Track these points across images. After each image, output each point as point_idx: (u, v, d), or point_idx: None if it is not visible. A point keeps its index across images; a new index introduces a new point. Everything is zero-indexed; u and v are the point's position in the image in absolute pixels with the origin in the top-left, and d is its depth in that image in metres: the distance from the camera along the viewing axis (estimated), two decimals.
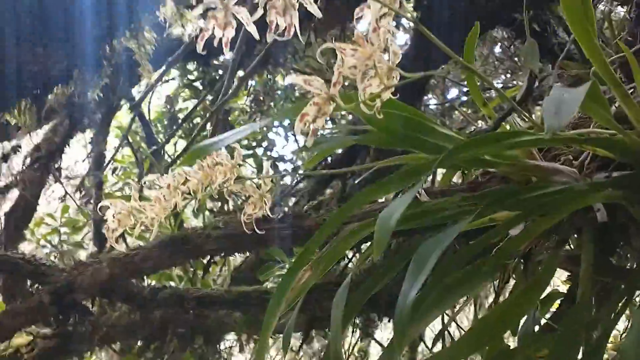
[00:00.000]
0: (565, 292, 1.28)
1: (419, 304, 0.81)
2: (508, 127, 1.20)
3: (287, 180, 3.40)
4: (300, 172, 2.96)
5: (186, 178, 1.10)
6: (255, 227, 1.15)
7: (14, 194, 3.01)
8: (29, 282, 2.16)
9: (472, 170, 1.27)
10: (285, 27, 0.83)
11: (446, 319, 1.38)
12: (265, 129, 3.03)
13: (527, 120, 1.33)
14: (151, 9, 1.05)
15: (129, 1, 1.02)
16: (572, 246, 1.10)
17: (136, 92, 3.10)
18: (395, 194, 1.38)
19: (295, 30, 0.84)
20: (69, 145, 2.64)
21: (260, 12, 0.84)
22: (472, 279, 0.96)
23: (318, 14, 0.82)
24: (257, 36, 0.87)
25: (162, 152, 2.54)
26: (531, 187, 0.89)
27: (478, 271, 0.93)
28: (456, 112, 3.80)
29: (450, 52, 0.85)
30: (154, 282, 1.83)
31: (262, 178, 1.12)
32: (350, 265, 1.67)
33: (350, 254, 1.77)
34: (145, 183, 1.55)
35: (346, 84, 0.87)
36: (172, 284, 1.98)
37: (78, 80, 1.11)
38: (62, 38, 1.02)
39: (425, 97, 3.58)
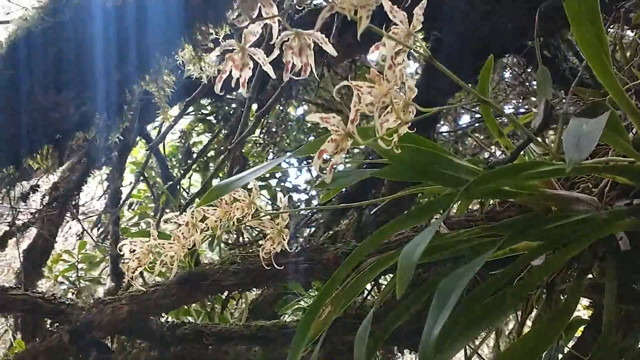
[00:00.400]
0: (589, 319, 1.26)
1: (443, 338, 0.80)
2: (523, 152, 1.20)
3: (302, 210, 3.40)
4: (316, 207, 2.97)
5: (204, 215, 1.11)
6: (273, 262, 1.16)
7: (32, 232, 3.04)
8: (48, 321, 2.16)
9: (489, 200, 1.27)
10: (302, 67, 0.84)
11: (468, 350, 1.36)
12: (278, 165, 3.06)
13: (542, 146, 1.32)
14: (170, 53, 1.07)
15: (148, 46, 1.04)
16: (594, 275, 1.09)
17: (151, 128, 3.14)
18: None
19: (311, 68, 0.85)
20: (86, 182, 2.67)
21: (276, 52, 0.85)
22: (495, 311, 0.95)
23: (334, 53, 0.84)
24: (273, 75, 0.89)
25: (178, 186, 2.56)
26: (553, 217, 0.89)
27: (502, 302, 0.92)
28: (469, 138, 3.80)
29: (465, 85, 0.85)
30: (171, 318, 1.82)
31: (280, 213, 1.13)
32: (369, 298, 1.66)
33: (368, 286, 1.76)
34: (162, 220, 1.56)
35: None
36: (190, 319, 1.98)
37: (99, 124, 1.13)
38: (82, 84, 1.04)
39: (437, 125, 3.58)
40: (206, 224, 1.07)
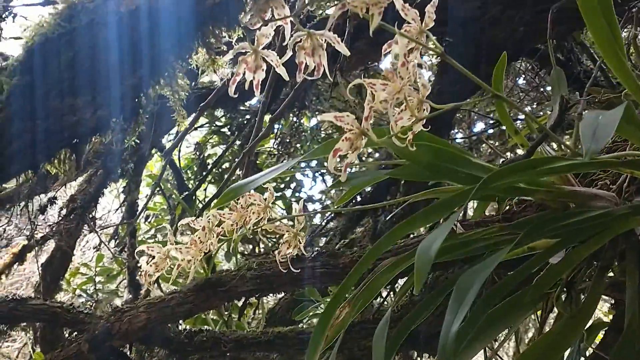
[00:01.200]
0: (610, 321, 1.24)
1: (463, 337, 0.79)
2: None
3: (317, 220, 3.40)
4: (332, 209, 2.96)
5: (220, 220, 1.11)
6: (290, 266, 1.16)
7: (50, 245, 3.07)
8: (65, 331, 2.18)
9: (506, 201, 1.26)
10: (315, 67, 0.84)
11: (488, 352, 1.35)
12: (292, 169, 3.07)
13: (558, 148, 1.31)
14: (183, 56, 1.08)
15: (162, 49, 1.05)
16: (615, 273, 1.07)
17: (166, 141, 3.17)
18: (430, 227, 1.37)
19: (324, 69, 0.86)
20: (103, 194, 2.69)
21: (289, 53, 0.86)
22: (514, 310, 0.94)
23: (346, 52, 0.84)
24: (286, 77, 0.89)
25: (194, 197, 2.57)
26: (570, 213, 0.88)
27: (520, 301, 0.91)
28: (484, 145, 3.78)
29: (479, 81, 0.85)
30: (189, 327, 1.82)
31: (295, 216, 1.13)
32: (385, 303, 1.65)
33: (384, 293, 1.75)
34: (179, 228, 1.57)
35: (371, 122, 0.87)
36: (208, 328, 1.98)
37: (115, 128, 1.14)
38: (98, 88, 1.05)
39: (452, 131, 3.57)
40: (222, 228, 1.07)
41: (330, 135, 3.86)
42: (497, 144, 3.68)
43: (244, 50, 0.87)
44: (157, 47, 1.04)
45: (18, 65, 1.05)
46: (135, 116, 1.15)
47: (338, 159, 0.77)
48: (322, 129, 3.92)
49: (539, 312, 1.17)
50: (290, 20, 0.85)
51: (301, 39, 0.84)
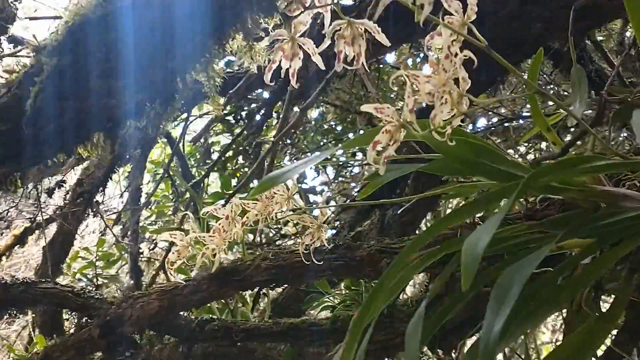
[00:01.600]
0: (622, 322, 1.24)
1: (502, 336, 0.78)
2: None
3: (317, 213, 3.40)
4: (354, 201, 2.95)
5: (244, 209, 1.10)
6: (312, 257, 1.15)
7: (51, 229, 3.04)
8: (70, 315, 2.16)
9: (528, 198, 1.25)
10: (354, 56, 0.83)
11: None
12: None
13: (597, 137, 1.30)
14: (221, 42, 1.06)
15: (200, 34, 1.03)
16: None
17: (170, 128, 3.14)
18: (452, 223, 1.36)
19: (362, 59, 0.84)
20: (111, 178, 2.67)
21: (327, 42, 0.84)
22: (542, 309, 0.94)
23: (386, 42, 0.83)
24: (322, 66, 0.88)
25: (202, 184, 2.56)
26: (604, 214, 0.87)
27: (552, 301, 0.90)
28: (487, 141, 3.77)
29: (519, 73, 0.84)
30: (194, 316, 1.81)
31: (320, 208, 1.12)
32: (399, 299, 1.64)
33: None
34: (186, 217, 1.55)
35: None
36: (219, 317, 1.96)
37: (150, 113, 1.12)
38: (136, 71, 1.03)
39: None
40: (247, 218, 1.06)
41: (334, 128, 3.85)
42: (498, 141, 3.68)
43: (280, 38, 0.86)
44: (196, 31, 1.01)
45: (58, 46, 1.02)
46: (172, 101, 1.13)
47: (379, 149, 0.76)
48: (325, 120, 3.91)
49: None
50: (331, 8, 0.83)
51: (341, 28, 0.83)
